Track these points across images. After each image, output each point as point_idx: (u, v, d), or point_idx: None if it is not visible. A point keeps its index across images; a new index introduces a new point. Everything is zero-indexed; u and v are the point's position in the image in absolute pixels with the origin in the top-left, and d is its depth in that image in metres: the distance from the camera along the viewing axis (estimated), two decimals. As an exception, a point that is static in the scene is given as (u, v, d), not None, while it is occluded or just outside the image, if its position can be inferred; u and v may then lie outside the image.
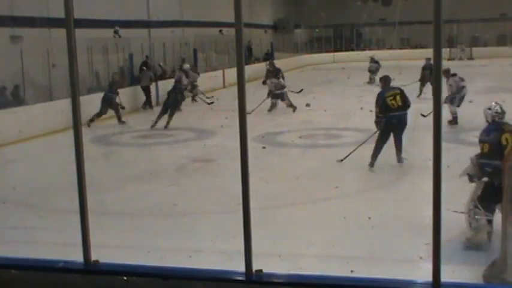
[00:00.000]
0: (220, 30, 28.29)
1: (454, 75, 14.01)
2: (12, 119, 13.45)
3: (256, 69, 28.17)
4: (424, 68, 19.12)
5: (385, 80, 10.26)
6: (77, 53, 2.21)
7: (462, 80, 13.88)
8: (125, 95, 17.65)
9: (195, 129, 14.79)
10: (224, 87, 24.63)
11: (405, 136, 12.63)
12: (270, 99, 16.92)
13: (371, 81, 23.78)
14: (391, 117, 9.62)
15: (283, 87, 17.16)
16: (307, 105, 17.80)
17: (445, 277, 1.95)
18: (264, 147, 11.62)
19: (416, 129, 13.08)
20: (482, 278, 5.15)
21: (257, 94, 18.98)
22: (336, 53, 40.42)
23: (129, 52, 20.26)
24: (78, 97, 2.23)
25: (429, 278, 1.94)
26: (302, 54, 38.83)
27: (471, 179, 6.21)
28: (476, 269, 5.35)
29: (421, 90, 18.43)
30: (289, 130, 13.93)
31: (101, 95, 16.32)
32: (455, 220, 6.58)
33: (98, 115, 15.46)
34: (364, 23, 41.58)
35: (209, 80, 24.11)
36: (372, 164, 9.68)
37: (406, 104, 9.82)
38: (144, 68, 20.51)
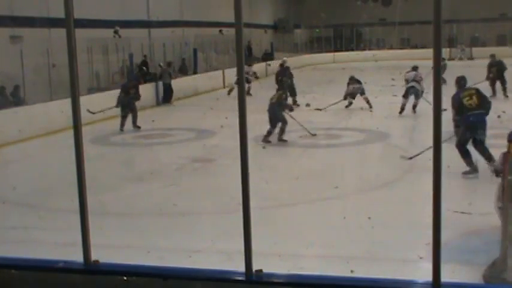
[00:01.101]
0: (220, 30, 28.30)
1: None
2: (12, 119, 13.45)
3: (255, 70, 28.16)
4: (490, 66, 18.57)
5: (460, 81, 9.83)
6: (76, 53, 2.22)
7: None
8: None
9: (195, 129, 14.79)
10: (224, 87, 24.63)
11: (406, 136, 12.71)
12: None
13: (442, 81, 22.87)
14: (468, 117, 9.10)
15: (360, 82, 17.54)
16: (307, 105, 17.82)
17: (445, 277, 1.95)
18: (264, 147, 11.62)
19: (417, 129, 13.13)
20: (482, 278, 5.14)
21: (257, 94, 19.01)
22: (336, 53, 40.40)
23: (129, 52, 20.29)
24: (78, 97, 2.23)
25: (429, 278, 1.94)
26: (302, 54, 38.82)
27: (498, 174, 6.12)
28: (476, 269, 5.34)
29: (493, 90, 17.77)
30: (289, 130, 13.91)
31: (100, 95, 16.32)
32: (455, 220, 6.60)
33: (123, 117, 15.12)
34: (364, 23, 41.58)
35: (209, 80, 24.14)
36: (476, 169, 8.92)
37: (483, 103, 9.29)
38: (144, 67, 20.63)
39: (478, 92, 9.48)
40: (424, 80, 15.19)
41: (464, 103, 9.11)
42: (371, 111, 16.31)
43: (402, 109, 15.28)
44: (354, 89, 17.17)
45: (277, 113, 12.42)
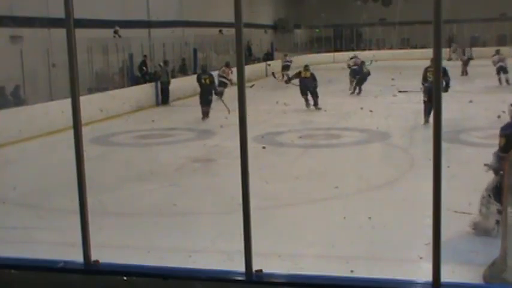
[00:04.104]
0: (220, 30, 28.30)
1: None
2: (13, 119, 13.45)
3: (255, 69, 28.19)
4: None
5: None
6: (76, 52, 2.21)
7: None
8: (126, 95, 17.69)
9: (195, 129, 14.80)
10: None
11: (406, 135, 12.71)
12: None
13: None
14: None
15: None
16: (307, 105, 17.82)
17: (445, 277, 1.95)
18: (264, 147, 11.62)
19: (417, 129, 13.13)
20: (482, 278, 5.15)
21: (257, 94, 19.02)
22: (335, 53, 40.40)
23: (129, 52, 20.30)
24: (78, 97, 2.23)
25: (429, 278, 1.94)
26: (302, 54, 38.84)
27: (496, 171, 6.38)
28: (476, 269, 5.35)
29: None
30: (289, 130, 13.94)
31: (101, 95, 16.32)
32: (456, 220, 6.60)
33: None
34: (364, 23, 41.61)
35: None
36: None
37: None
38: (144, 68, 20.63)
39: None
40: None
41: None
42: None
43: (500, 81, 21.80)
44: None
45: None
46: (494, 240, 5.35)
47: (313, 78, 18.33)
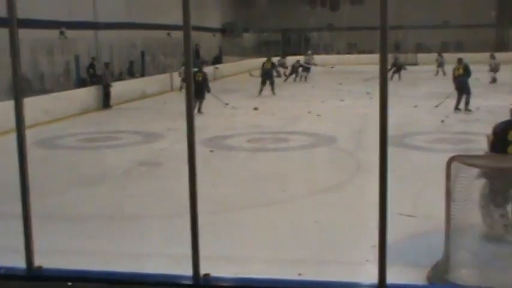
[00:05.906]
0: (168, 33, 28.14)
1: None
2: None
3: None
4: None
5: None
6: (20, 53, 2.16)
7: None
8: (72, 97, 17.40)
9: (142, 132, 14.64)
10: (172, 90, 24.52)
11: (353, 139, 12.89)
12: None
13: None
14: None
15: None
16: (255, 108, 17.91)
17: (391, 279, 1.98)
18: (212, 151, 11.59)
19: (363, 133, 13.32)
20: (426, 279, 5.25)
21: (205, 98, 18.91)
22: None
23: (75, 53, 19.96)
24: (21, 99, 2.17)
25: (375, 280, 1.96)
26: (250, 58, 38.97)
27: (487, 175, 6.02)
28: (420, 271, 5.44)
29: None
30: (237, 134, 13.95)
31: (46, 97, 16.01)
32: (401, 223, 6.72)
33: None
34: (312, 28, 42.06)
35: (157, 82, 24.01)
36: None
37: None
38: (91, 70, 20.33)
39: None
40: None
41: None
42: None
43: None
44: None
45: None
46: (438, 242, 5.46)
47: (272, 66, 23.50)
